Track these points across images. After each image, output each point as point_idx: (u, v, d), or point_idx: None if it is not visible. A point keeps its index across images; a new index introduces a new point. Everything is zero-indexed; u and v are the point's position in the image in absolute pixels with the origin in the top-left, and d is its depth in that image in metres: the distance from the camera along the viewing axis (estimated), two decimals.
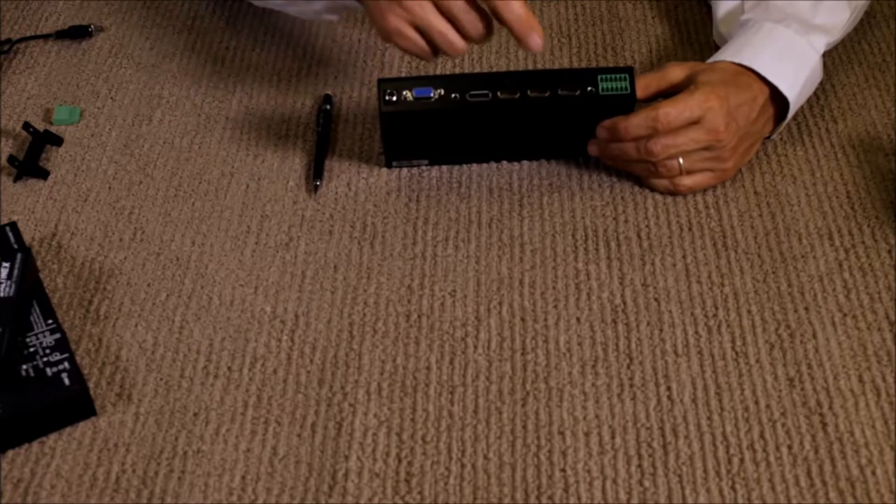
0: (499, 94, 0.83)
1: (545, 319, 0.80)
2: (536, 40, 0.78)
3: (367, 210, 0.88)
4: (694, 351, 0.77)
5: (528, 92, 0.83)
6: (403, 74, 1.01)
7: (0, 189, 0.91)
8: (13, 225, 0.84)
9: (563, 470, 0.70)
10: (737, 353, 0.77)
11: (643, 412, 0.74)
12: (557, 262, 0.84)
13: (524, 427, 0.73)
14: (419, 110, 0.83)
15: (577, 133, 0.88)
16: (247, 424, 0.74)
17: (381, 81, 0.84)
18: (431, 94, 0.83)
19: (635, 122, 0.83)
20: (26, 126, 0.93)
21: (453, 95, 0.83)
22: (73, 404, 0.73)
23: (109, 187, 0.91)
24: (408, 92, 0.83)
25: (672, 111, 0.82)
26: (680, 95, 0.84)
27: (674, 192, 0.88)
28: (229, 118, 0.97)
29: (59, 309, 0.81)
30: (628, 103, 0.84)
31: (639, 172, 0.88)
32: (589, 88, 0.83)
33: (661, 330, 0.79)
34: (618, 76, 0.83)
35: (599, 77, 0.83)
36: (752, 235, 0.85)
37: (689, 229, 0.86)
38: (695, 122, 0.83)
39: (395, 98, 0.83)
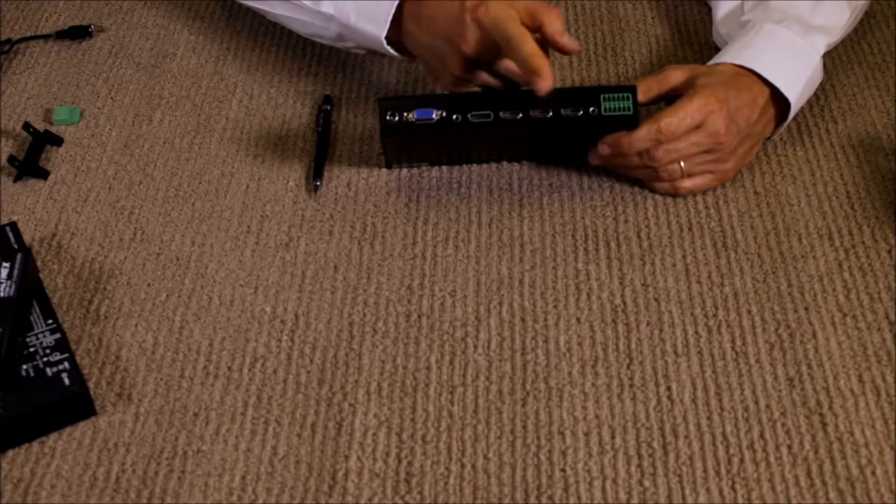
0: (500, 114, 0.82)
1: (545, 319, 0.80)
2: (540, 85, 0.78)
3: (367, 210, 0.88)
4: (694, 351, 0.77)
5: (530, 112, 0.82)
6: (403, 75, 1.01)
7: (0, 189, 0.91)
8: (13, 225, 0.84)
9: (563, 470, 0.70)
10: (737, 353, 0.77)
11: (643, 412, 0.74)
12: (557, 262, 0.84)
13: (524, 427, 0.73)
14: (420, 132, 0.83)
15: (579, 148, 0.88)
16: (247, 424, 0.74)
17: (381, 101, 0.83)
18: (433, 116, 0.83)
19: (639, 138, 0.83)
20: (26, 126, 0.93)
21: (455, 117, 0.82)
22: (73, 404, 0.73)
23: (109, 187, 0.91)
24: (409, 114, 0.82)
25: (674, 121, 0.82)
26: (680, 102, 0.83)
27: (674, 195, 0.88)
28: (229, 118, 0.97)
29: (59, 309, 0.81)
30: (631, 123, 0.82)
31: (640, 177, 0.88)
32: (591, 109, 0.82)
33: (661, 330, 0.79)
34: (621, 95, 0.82)
35: (602, 97, 0.82)
36: (752, 235, 0.85)
37: (689, 229, 0.86)
38: (696, 127, 0.83)
39: (396, 119, 0.82)
